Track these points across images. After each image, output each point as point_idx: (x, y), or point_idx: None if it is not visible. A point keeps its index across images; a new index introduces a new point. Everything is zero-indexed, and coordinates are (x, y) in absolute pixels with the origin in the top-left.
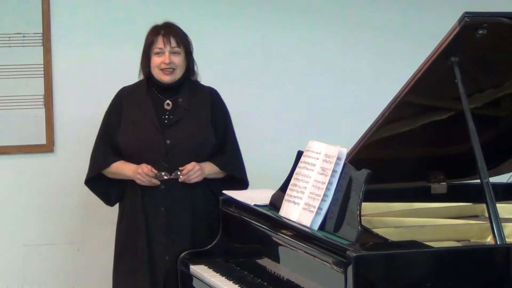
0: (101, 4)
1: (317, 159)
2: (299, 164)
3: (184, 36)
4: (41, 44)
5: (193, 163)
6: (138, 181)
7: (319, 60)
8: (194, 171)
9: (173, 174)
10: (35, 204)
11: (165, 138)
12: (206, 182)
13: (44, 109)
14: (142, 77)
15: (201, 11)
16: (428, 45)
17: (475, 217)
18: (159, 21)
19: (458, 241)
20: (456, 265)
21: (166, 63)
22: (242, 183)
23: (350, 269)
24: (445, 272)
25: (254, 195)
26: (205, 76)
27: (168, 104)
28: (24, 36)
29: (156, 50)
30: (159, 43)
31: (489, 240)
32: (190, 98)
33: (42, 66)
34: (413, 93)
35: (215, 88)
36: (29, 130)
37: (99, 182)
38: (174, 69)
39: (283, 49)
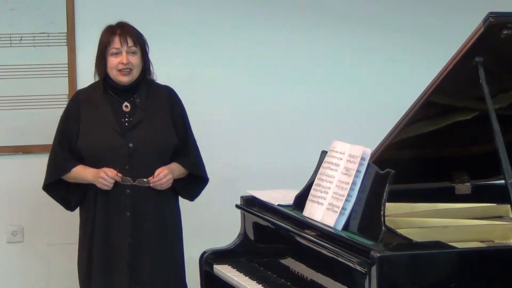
0: (124, 5)
1: (341, 159)
2: (323, 164)
3: (140, 36)
4: (65, 43)
5: (165, 171)
6: (99, 185)
7: (345, 62)
8: (167, 179)
9: (136, 181)
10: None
11: (128, 141)
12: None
13: None
14: (97, 78)
15: (216, 13)
16: (452, 45)
17: (499, 217)
18: (183, 21)
19: (482, 241)
20: (480, 265)
21: (124, 63)
22: (202, 179)
23: (374, 269)
24: (469, 272)
25: (278, 195)
26: (226, 76)
27: (126, 106)
28: (48, 36)
29: (113, 50)
30: (116, 43)
31: None
32: (147, 99)
33: (67, 65)
34: (438, 93)
35: (239, 88)
36: (53, 129)
37: (57, 187)
38: (131, 69)
39: (309, 50)
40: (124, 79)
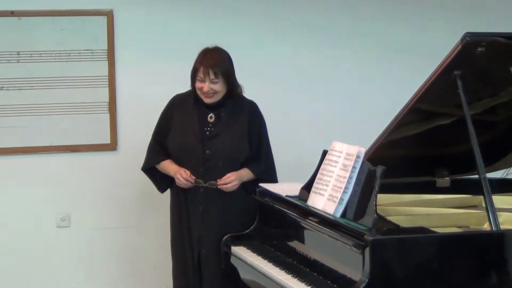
0: (158, 25)
1: (340, 157)
2: (324, 161)
3: (224, 66)
4: (106, 58)
5: (231, 177)
6: (176, 182)
7: (342, 73)
8: (232, 184)
9: (207, 183)
10: (100, 193)
11: (205, 148)
12: (242, 184)
13: (108, 114)
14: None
15: (243, 30)
16: (434, 60)
17: (474, 207)
18: (207, 40)
19: (459, 227)
20: (458, 248)
21: (205, 91)
22: (273, 183)
23: (367, 251)
24: (449, 254)
25: (286, 187)
26: (245, 84)
27: (211, 117)
28: (92, 52)
29: (199, 78)
30: (201, 73)
31: (486, 226)
32: (231, 113)
33: (107, 77)
34: (422, 101)
35: (254, 95)
36: (96, 131)
37: (153, 172)
38: (213, 93)
39: (311, 62)
40: (207, 100)
